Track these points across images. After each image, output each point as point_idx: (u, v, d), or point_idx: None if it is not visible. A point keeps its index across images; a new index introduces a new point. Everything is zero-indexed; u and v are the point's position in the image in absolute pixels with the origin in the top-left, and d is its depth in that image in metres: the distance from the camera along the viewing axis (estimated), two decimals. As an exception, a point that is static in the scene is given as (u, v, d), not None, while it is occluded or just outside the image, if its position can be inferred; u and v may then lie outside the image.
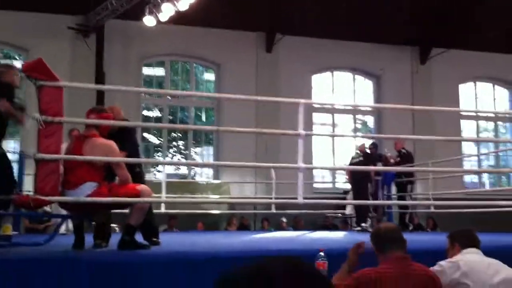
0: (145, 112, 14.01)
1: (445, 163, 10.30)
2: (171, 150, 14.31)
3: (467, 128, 16.13)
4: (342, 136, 16.62)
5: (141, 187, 4.51)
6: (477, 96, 16.66)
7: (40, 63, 4.34)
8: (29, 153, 4.28)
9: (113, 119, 4.96)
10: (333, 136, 15.96)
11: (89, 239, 4.72)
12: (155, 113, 14.42)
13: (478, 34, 13.90)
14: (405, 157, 10.29)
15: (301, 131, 5.11)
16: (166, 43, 13.62)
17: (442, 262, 3.48)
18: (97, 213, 4.75)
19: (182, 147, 14.52)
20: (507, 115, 16.94)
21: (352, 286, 2.96)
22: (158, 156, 13.93)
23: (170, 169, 13.76)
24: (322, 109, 15.16)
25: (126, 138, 5.21)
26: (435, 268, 3.44)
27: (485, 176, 16.32)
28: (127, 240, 4.27)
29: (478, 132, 16.43)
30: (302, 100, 5.28)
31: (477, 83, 16.68)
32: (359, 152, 9.86)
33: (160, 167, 12.78)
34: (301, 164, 5.13)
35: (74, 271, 3.39)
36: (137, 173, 5.22)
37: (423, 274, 3.04)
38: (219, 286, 0.89)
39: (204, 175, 14.63)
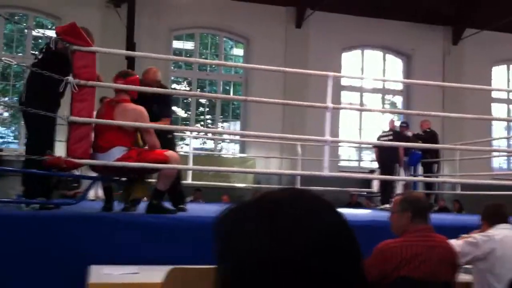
0: (174, 86, 14.09)
1: (473, 145, 10.16)
2: (198, 125, 14.39)
3: (498, 112, 15.84)
4: (370, 111, 16.42)
5: (169, 153, 4.58)
6: (510, 79, 16.32)
7: (73, 27, 4.41)
8: (63, 117, 4.36)
9: (150, 80, 5.07)
10: (360, 110, 15.76)
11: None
12: (184, 86, 14.50)
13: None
14: (430, 136, 10.16)
15: (329, 104, 5.10)
16: (196, 15, 13.63)
17: (476, 235, 3.47)
18: (128, 177, 4.84)
19: (210, 121, 14.60)
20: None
21: (376, 257, 2.92)
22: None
23: (196, 143, 13.88)
24: (351, 88, 15.05)
25: (165, 102, 5.32)
26: (469, 240, 3.42)
27: (514, 161, 16.07)
28: (155, 204, 4.36)
29: (509, 116, 16.13)
30: (331, 73, 5.27)
31: (510, 66, 16.32)
32: (388, 129, 9.76)
33: (187, 141, 12.89)
34: (328, 137, 5.13)
35: (100, 230, 3.50)
36: (169, 140, 5.31)
37: (445, 246, 3.05)
38: (226, 216, 0.90)
39: (230, 150, 14.73)
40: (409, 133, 10.27)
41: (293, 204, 0.85)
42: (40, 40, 12.89)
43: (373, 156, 11.15)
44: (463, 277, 3.41)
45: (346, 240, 0.85)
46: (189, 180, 8.65)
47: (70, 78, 4.33)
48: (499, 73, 16.11)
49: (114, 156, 4.35)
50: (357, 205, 12.34)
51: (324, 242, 0.81)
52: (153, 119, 4.97)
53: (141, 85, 5.15)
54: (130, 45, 12.01)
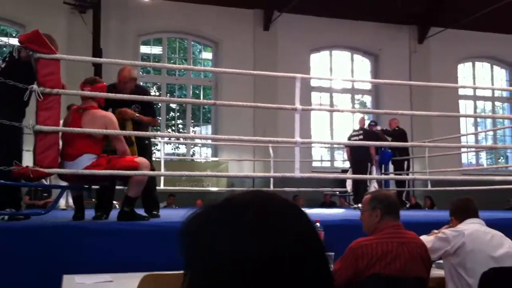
0: (143, 91, 13.97)
1: (442, 142, 10.34)
2: (169, 130, 14.31)
3: (466, 109, 16.14)
4: (338, 111, 16.55)
5: (140, 159, 4.53)
6: (475, 76, 16.66)
7: (37, 35, 4.34)
8: (28, 126, 4.28)
9: (125, 79, 5.02)
10: (329, 111, 15.93)
11: (89, 213, 4.77)
12: (153, 92, 14.40)
13: (476, 13, 13.81)
14: (399, 134, 10.30)
15: (298, 105, 5.12)
16: (164, 19, 13.57)
17: (446, 230, 3.50)
18: (98, 185, 4.79)
19: (181, 126, 14.52)
20: (504, 95, 16.95)
21: (349, 256, 2.94)
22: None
23: (168, 149, 13.81)
24: (320, 88, 15.16)
25: (145, 102, 5.28)
26: (439, 235, 3.46)
27: (482, 157, 16.39)
28: (127, 212, 4.31)
29: (475, 112, 16.45)
30: (299, 75, 5.30)
31: (476, 63, 16.67)
32: (358, 128, 9.84)
33: (159, 146, 12.81)
34: (298, 138, 5.15)
35: (72, 238, 3.44)
36: (146, 145, 5.28)
37: (417, 242, 3.08)
38: (193, 219, 0.89)
39: (203, 154, 14.68)
40: (378, 128, 10.38)
41: (259, 207, 0.85)
42: (4, 49, 12.66)
43: (345, 156, 11.23)
44: (435, 272, 3.45)
45: (312, 243, 0.85)
46: (162, 186, 8.60)
47: (34, 86, 4.25)
48: (464, 70, 16.43)
49: (83, 164, 4.29)
50: (331, 205, 12.44)
51: (291, 245, 0.81)
52: (134, 124, 4.92)
53: (117, 86, 5.11)
54: (97, 51, 11.88)
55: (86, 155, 4.32)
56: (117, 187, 5.25)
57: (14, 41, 11.57)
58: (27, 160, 4.57)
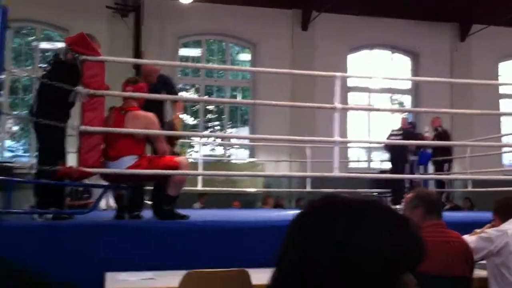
0: (182, 93, 14.13)
1: (484, 142, 10.13)
2: (206, 131, 14.41)
3: (506, 108, 15.73)
4: (377, 110, 16.34)
5: (180, 159, 4.61)
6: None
7: (82, 37, 4.46)
8: (74, 126, 4.40)
9: (148, 70, 5.12)
10: (368, 110, 15.71)
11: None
12: (192, 93, 14.56)
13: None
14: (442, 135, 10.13)
15: (337, 104, 5.11)
16: (202, 21, 13.69)
17: (489, 230, 3.45)
18: (140, 184, 4.89)
19: (218, 127, 14.63)
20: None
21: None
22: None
23: (205, 150, 13.92)
24: (358, 88, 15.03)
25: (171, 87, 5.41)
26: (482, 235, 3.41)
27: (525, 157, 15.95)
28: (168, 210, 4.39)
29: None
30: (339, 73, 5.28)
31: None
32: (399, 127, 9.72)
33: (196, 148, 12.93)
34: (337, 137, 5.14)
35: (115, 237, 3.53)
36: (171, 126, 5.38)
37: (459, 241, 3.04)
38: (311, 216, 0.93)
39: (240, 156, 14.75)
40: (427, 134, 10.23)
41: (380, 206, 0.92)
42: (48, 53, 13.00)
43: (383, 156, 11.11)
44: (478, 273, 3.40)
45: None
46: (199, 187, 8.68)
47: (80, 88, 4.36)
48: (506, 69, 16.02)
49: (125, 165, 4.39)
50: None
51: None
52: (162, 121, 5.00)
53: (142, 76, 5.21)
54: (138, 54, 12.09)
55: (128, 156, 4.41)
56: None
57: (59, 45, 11.91)
58: (70, 161, 4.68)
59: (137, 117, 4.55)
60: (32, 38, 13.38)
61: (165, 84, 5.44)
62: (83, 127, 4.31)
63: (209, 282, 2.32)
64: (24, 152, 13.13)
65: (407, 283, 0.89)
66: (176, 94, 5.83)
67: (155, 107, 4.99)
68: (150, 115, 4.62)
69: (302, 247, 0.87)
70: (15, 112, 12.54)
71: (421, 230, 0.94)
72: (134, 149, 4.48)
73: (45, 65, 4.83)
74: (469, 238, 3.40)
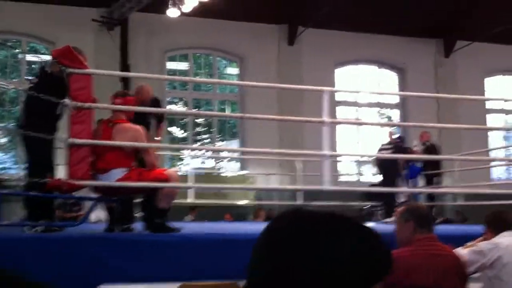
0: (169, 106, 14.11)
1: (472, 156, 10.19)
2: (195, 144, 14.38)
3: (493, 124, 15.89)
4: (366, 124, 16.42)
5: (169, 172, 4.59)
6: (503, 90, 16.41)
7: (68, 50, 4.44)
8: (61, 139, 4.35)
9: (142, 99, 5.10)
10: (357, 124, 15.80)
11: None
12: (180, 107, 14.53)
13: (504, 26, 13.66)
14: (431, 149, 10.16)
15: (325, 118, 5.12)
16: (190, 35, 13.71)
17: (481, 244, 3.45)
18: (129, 197, 4.84)
19: (207, 141, 14.59)
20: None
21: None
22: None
23: (195, 163, 13.87)
24: (346, 103, 15.10)
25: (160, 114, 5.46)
26: (474, 248, 3.40)
27: (512, 172, 16.09)
28: (159, 223, 4.34)
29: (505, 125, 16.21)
30: (327, 88, 5.30)
31: (504, 76, 16.43)
32: (388, 141, 9.73)
33: (186, 161, 12.88)
34: (326, 151, 5.14)
35: (108, 249, 3.47)
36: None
37: (450, 254, 3.03)
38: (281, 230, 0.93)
39: (230, 169, 14.71)
40: (415, 148, 10.25)
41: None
42: (34, 66, 12.92)
43: (373, 170, 11.11)
44: (473, 286, 3.39)
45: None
46: (190, 199, 8.63)
47: (67, 100, 4.32)
48: (492, 84, 16.20)
49: (114, 177, 4.35)
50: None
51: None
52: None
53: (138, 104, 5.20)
54: (125, 67, 12.08)
55: (118, 168, 4.37)
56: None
57: (45, 58, 11.85)
58: (59, 173, 4.63)
59: (125, 130, 4.52)
60: (18, 50, 13.30)
61: (154, 104, 5.48)
62: (71, 140, 4.27)
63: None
64: (13, 164, 12.99)
65: None
66: (163, 118, 5.94)
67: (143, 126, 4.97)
68: (138, 127, 4.59)
69: (275, 262, 0.87)
70: (2, 124, 12.42)
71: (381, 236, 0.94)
72: (123, 161, 4.44)
73: (32, 78, 4.78)
74: (461, 252, 3.39)
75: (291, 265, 0.85)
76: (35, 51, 13.53)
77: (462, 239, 3.99)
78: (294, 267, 0.85)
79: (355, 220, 0.93)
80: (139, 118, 4.81)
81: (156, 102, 5.62)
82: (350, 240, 0.88)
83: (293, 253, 0.86)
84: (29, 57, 13.31)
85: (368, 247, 0.89)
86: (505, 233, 3.48)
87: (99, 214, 7.61)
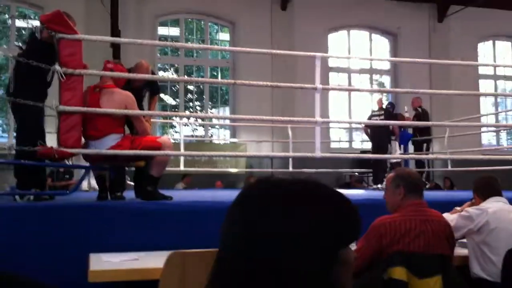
0: (160, 73, 14.01)
1: (462, 122, 10.23)
2: (187, 111, 14.34)
3: (485, 89, 15.92)
4: (358, 90, 16.39)
5: (162, 139, 4.57)
6: (496, 55, 16.40)
7: (58, 15, 4.34)
8: (52, 106, 4.31)
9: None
10: (349, 90, 15.80)
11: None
12: (171, 73, 14.42)
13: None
14: (422, 115, 10.21)
15: (318, 84, 5.11)
16: (181, 0, 13.52)
17: (469, 209, 3.49)
18: (122, 164, 4.84)
19: (199, 108, 14.55)
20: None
21: (372, 234, 2.95)
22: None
23: (187, 131, 13.86)
24: (338, 69, 15.05)
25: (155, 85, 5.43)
26: (462, 214, 3.45)
27: (503, 138, 16.20)
28: (151, 191, 4.35)
29: (496, 91, 16.23)
30: (319, 54, 5.27)
31: (496, 42, 16.39)
32: (378, 108, 9.77)
33: (177, 128, 12.83)
34: (318, 118, 5.14)
35: (98, 218, 3.49)
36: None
37: (440, 220, 3.08)
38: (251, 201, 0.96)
39: (221, 136, 14.72)
40: (407, 115, 10.30)
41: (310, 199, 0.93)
42: (23, 31, 12.73)
43: (364, 137, 11.17)
44: (459, 251, 3.45)
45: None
46: (181, 167, 8.64)
47: (57, 67, 4.27)
48: (485, 49, 16.17)
49: (107, 144, 4.33)
50: (350, 186, 12.42)
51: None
52: (141, 107, 4.95)
53: (134, 82, 5.17)
54: (115, 33, 11.91)
55: (110, 135, 4.35)
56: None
57: (34, 23, 11.66)
58: (49, 141, 4.61)
59: (114, 96, 4.45)
60: (6, 16, 13.08)
61: (150, 84, 5.42)
62: (61, 107, 4.23)
63: (193, 263, 2.31)
64: (3, 132, 12.92)
65: (346, 259, 0.92)
66: (157, 88, 5.86)
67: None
68: (126, 93, 4.52)
69: (248, 229, 0.90)
70: (-10, 92, 12.29)
71: (353, 204, 0.96)
72: (114, 128, 4.41)
73: (21, 45, 4.71)
74: (449, 217, 3.44)
75: (263, 231, 0.88)
76: (24, 17, 13.30)
77: (451, 205, 4.05)
78: (266, 232, 0.88)
79: (325, 186, 0.96)
80: (132, 93, 4.76)
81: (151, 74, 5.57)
82: (319, 206, 0.91)
83: (265, 219, 0.89)
84: (19, 22, 13.11)
85: (338, 212, 0.92)
86: (492, 199, 3.53)
87: (91, 182, 7.63)
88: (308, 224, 0.88)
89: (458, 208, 3.90)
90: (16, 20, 13.03)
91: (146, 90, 5.38)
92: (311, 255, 0.87)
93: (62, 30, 4.30)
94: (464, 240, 3.51)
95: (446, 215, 3.42)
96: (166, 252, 2.35)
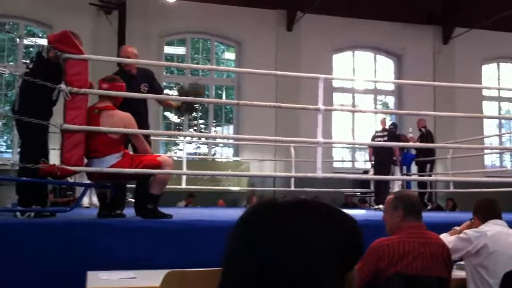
0: (166, 91, 14.08)
1: (466, 144, 10.22)
2: (191, 130, 14.41)
3: (489, 111, 15.93)
4: (361, 111, 16.44)
5: (162, 157, 4.60)
6: (500, 77, 16.43)
7: (65, 35, 4.42)
8: (56, 124, 4.36)
9: (128, 53, 5.12)
10: (352, 111, 15.86)
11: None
12: (176, 91, 14.50)
13: (502, 13, 13.62)
14: (426, 136, 10.23)
15: (320, 105, 5.14)
16: (187, 20, 13.68)
17: (468, 231, 3.49)
18: (123, 182, 4.86)
19: (203, 126, 14.62)
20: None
21: (370, 255, 2.95)
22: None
23: (190, 148, 13.90)
24: (342, 89, 15.11)
25: (152, 78, 5.41)
26: (461, 236, 3.45)
27: (506, 159, 16.16)
28: (151, 209, 4.37)
29: (500, 114, 16.23)
30: (322, 75, 5.31)
31: (501, 63, 16.44)
32: (381, 129, 9.79)
33: (181, 146, 12.88)
34: (320, 138, 5.17)
35: (98, 235, 3.51)
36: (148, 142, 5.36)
37: (438, 242, 3.08)
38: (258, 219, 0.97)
39: (224, 155, 14.75)
40: (411, 135, 10.32)
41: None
42: (31, 49, 12.89)
43: (367, 156, 11.17)
44: (457, 274, 3.45)
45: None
46: (183, 185, 8.66)
47: (62, 86, 4.33)
48: (489, 71, 16.22)
49: (108, 163, 4.37)
50: (352, 206, 12.39)
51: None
52: (140, 121, 4.92)
53: (123, 67, 5.20)
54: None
55: (111, 154, 4.39)
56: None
57: (42, 42, 11.80)
58: (53, 157, 4.65)
59: (114, 117, 4.48)
60: (15, 34, 13.26)
61: (146, 77, 5.42)
62: (65, 125, 4.28)
63: (190, 282, 2.33)
64: (7, 148, 13.00)
65: (351, 281, 0.95)
66: (159, 86, 5.81)
67: (134, 101, 4.96)
68: (127, 114, 4.54)
69: (253, 252, 0.91)
70: (-3, 108, 12.41)
71: (356, 222, 0.98)
72: (115, 147, 4.45)
73: (28, 62, 4.78)
74: (448, 238, 3.44)
75: (267, 254, 0.89)
76: (32, 35, 13.47)
77: (451, 227, 4.05)
78: (269, 255, 0.89)
79: (328, 206, 0.97)
80: (128, 105, 4.76)
81: (149, 75, 5.52)
82: (323, 227, 0.92)
83: (268, 241, 0.90)
84: (27, 41, 13.28)
85: (344, 235, 0.93)
86: (492, 222, 3.53)
87: (92, 199, 7.66)
88: (315, 247, 0.89)
89: (457, 228, 3.90)
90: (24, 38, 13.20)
91: (144, 85, 5.30)
92: (318, 277, 0.87)
93: (68, 50, 4.37)
94: (462, 262, 3.51)
95: (444, 236, 3.42)
96: (164, 271, 2.37)
